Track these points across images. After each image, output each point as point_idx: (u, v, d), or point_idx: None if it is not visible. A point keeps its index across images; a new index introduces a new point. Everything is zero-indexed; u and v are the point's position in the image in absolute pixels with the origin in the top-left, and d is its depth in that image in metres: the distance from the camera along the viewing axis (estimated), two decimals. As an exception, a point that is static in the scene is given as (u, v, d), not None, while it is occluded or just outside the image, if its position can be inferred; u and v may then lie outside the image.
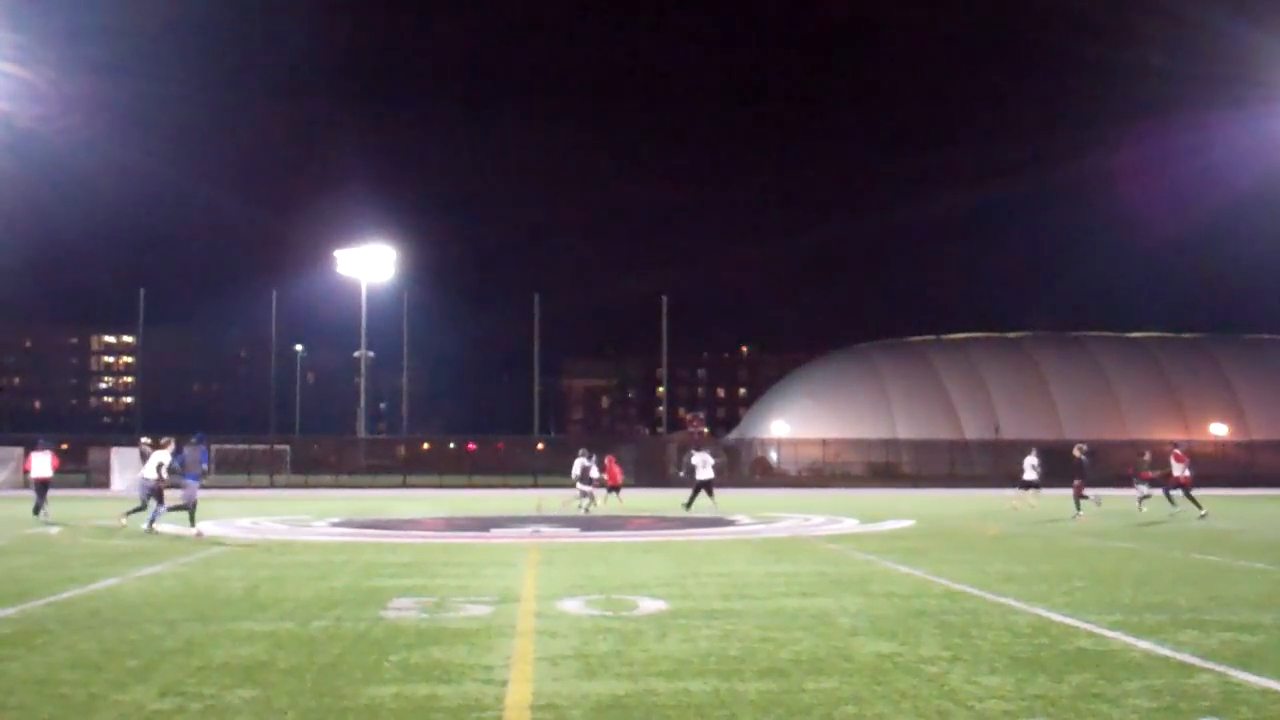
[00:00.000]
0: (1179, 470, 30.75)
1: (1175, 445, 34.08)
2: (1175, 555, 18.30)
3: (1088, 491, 30.22)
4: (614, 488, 36.08)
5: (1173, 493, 30.59)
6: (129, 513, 24.92)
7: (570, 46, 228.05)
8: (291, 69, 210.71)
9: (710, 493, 31.98)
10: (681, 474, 34.40)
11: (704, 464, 32.64)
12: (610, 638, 9.68)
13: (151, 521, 23.43)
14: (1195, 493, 30.49)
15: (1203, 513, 28.88)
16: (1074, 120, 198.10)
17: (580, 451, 34.59)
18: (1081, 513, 29.05)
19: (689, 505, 32.02)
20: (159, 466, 23.82)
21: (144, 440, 27.40)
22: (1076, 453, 31.03)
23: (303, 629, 10.22)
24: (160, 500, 23.57)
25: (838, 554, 18.37)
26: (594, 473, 33.87)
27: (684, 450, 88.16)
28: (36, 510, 27.61)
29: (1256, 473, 67.70)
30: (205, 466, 24.98)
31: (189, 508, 23.39)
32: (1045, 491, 34.58)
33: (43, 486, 28.10)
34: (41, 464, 28.08)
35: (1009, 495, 35.83)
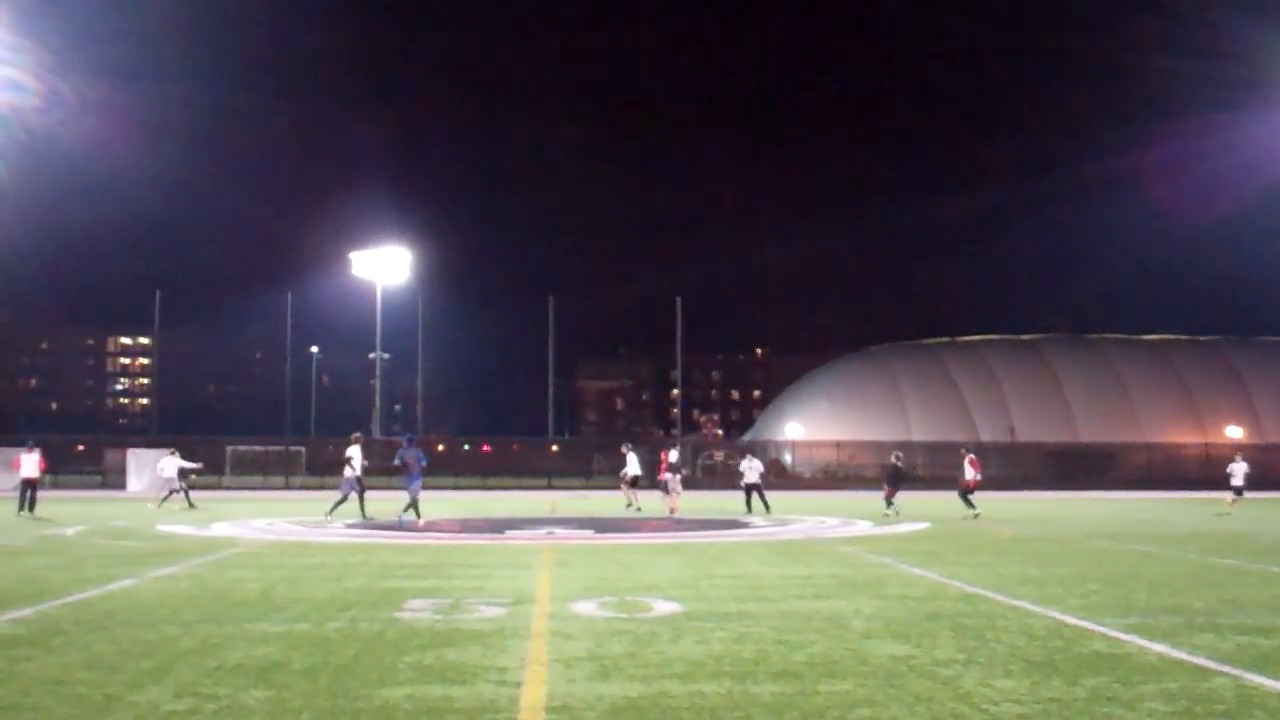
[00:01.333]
0: (970, 474, 32.14)
1: (966, 448, 34.51)
2: (1191, 558, 18.25)
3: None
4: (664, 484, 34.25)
5: (969, 496, 31.68)
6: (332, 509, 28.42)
7: (585, 47, 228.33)
8: (307, 71, 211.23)
9: (761, 495, 32.28)
10: (698, 475, 34.45)
11: (751, 468, 32.86)
12: (624, 640, 9.69)
13: (334, 508, 27.99)
14: (1209, 495, 30.55)
15: (975, 513, 30.54)
16: (1089, 122, 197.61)
17: (626, 445, 35.01)
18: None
19: (749, 509, 31.91)
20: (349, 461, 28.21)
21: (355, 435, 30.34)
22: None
23: (318, 630, 10.24)
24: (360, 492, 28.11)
25: (852, 556, 18.35)
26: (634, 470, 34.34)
27: (699, 452, 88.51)
28: (21, 509, 28.87)
29: (1272, 475, 67.39)
30: (424, 464, 27.25)
31: (413, 503, 26.32)
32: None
33: (29, 486, 30.26)
34: (30, 465, 30.50)
35: (1224, 499, 35.12)
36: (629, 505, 33.84)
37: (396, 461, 27.42)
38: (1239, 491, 34.52)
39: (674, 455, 32.76)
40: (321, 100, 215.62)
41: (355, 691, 7.66)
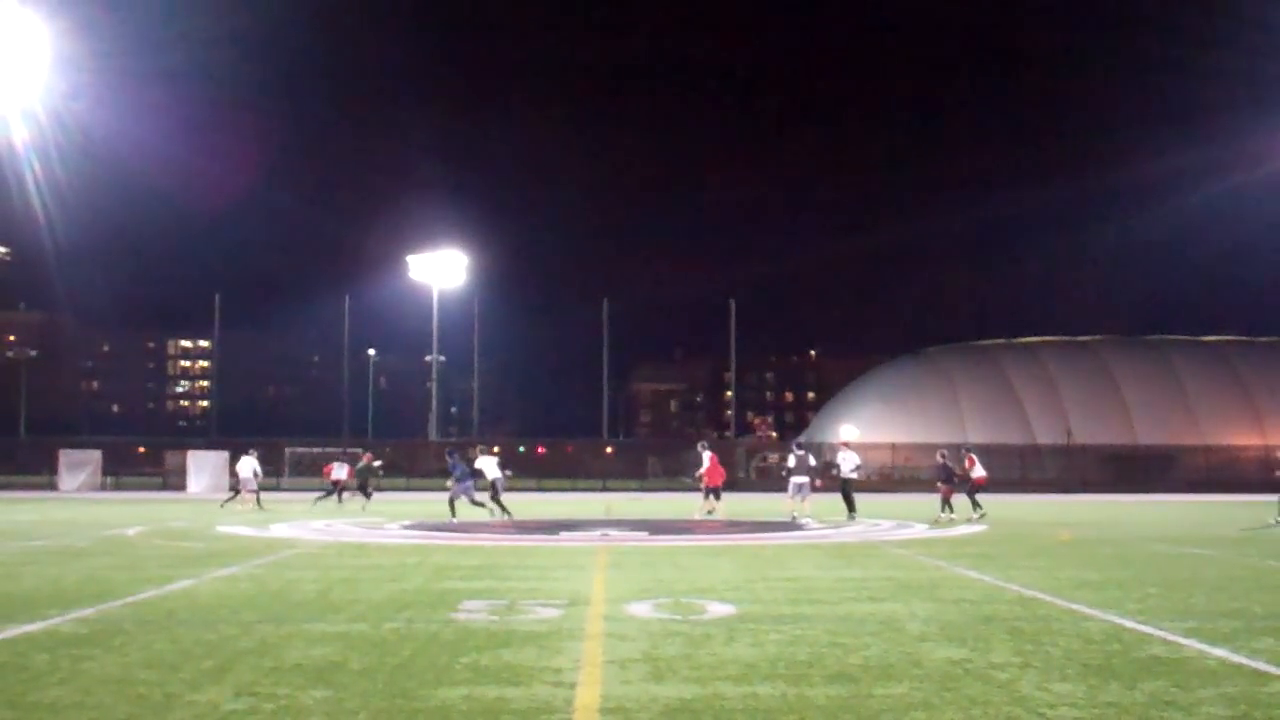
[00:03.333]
0: (979, 472, 31.62)
1: (965, 448, 33.94)
2: (1251, 561, 18.04)
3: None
4: (714, 489, 32.28)
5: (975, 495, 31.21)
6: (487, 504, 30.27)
7: (643, 50, 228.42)
8: (366, 75, 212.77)
9: (848, 494, 30.97)
10: (784, 474, 32.93)
11: (847, 461, 31.39)
12: (678, 641, 9.70)
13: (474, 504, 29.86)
14: (1270, 498, 30.10)
15: (982, 512, 30.11)
16: (1149, 121, 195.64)
17: (702, 444, 33.66)
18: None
19: (851, 511, 30.44)
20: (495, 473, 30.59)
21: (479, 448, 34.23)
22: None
23: (375, 630, 10.32)
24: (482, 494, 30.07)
25: (907, 559, 18.27)
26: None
27: (753, 454, 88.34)
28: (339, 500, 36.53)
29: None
30: (456, 471, 30.00)
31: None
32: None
33: (337, 487, 38.91)
34: (340, 470, 39.46)
35: None
36: (709, 512, 31.50)
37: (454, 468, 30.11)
38: None
39: (807, 454, 30.57)
40: (381, 104, 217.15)
41: (412, 692, 7.72)
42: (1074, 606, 12.12)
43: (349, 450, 38.21)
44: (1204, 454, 76.01)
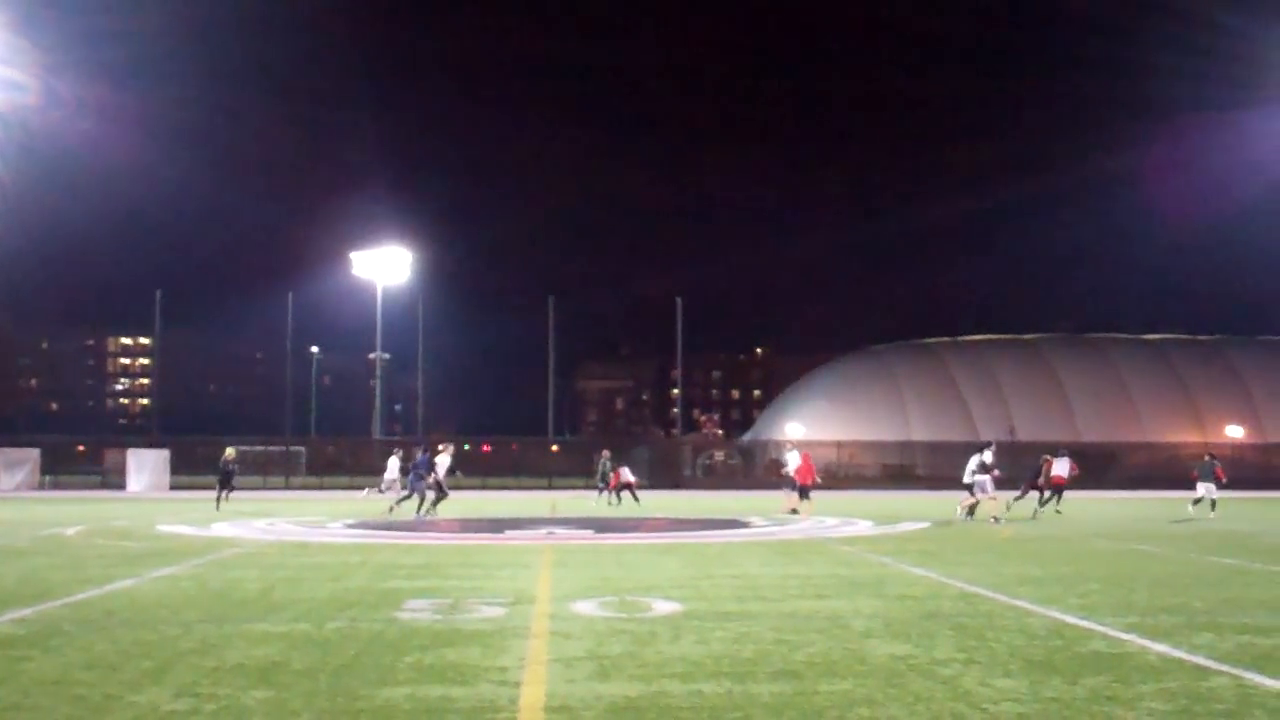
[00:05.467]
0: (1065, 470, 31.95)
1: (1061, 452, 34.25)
2: (1191, 557, 18.25)
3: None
4: (803, 487, 31.57)
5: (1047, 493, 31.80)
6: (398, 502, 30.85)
7: (585, 48, 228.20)
8: (308, 70, 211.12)
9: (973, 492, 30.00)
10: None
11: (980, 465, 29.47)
12: (624, 639, 9.68)
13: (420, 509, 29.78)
14: (1216, 495, 30.64)
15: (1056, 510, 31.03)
16: (1090, 121, 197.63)
17: (788, 444, 33.82)
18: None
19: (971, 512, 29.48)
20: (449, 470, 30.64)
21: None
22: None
23: (317, 630, 10.24)
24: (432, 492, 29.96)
25: (852, 556, 18.35)
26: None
27: (700, 452, 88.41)
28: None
29: (1273, 475, 67.43)
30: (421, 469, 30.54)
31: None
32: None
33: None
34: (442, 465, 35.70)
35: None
36: (792, 511, 30.86)
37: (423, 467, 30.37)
38: None
39: (988, 455, 28.99)
40: (322, 100, 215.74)
41: (355, 692, 7.66)
42: (1017, 603, 12.20)
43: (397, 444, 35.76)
44: (1145, 450, 76.81)
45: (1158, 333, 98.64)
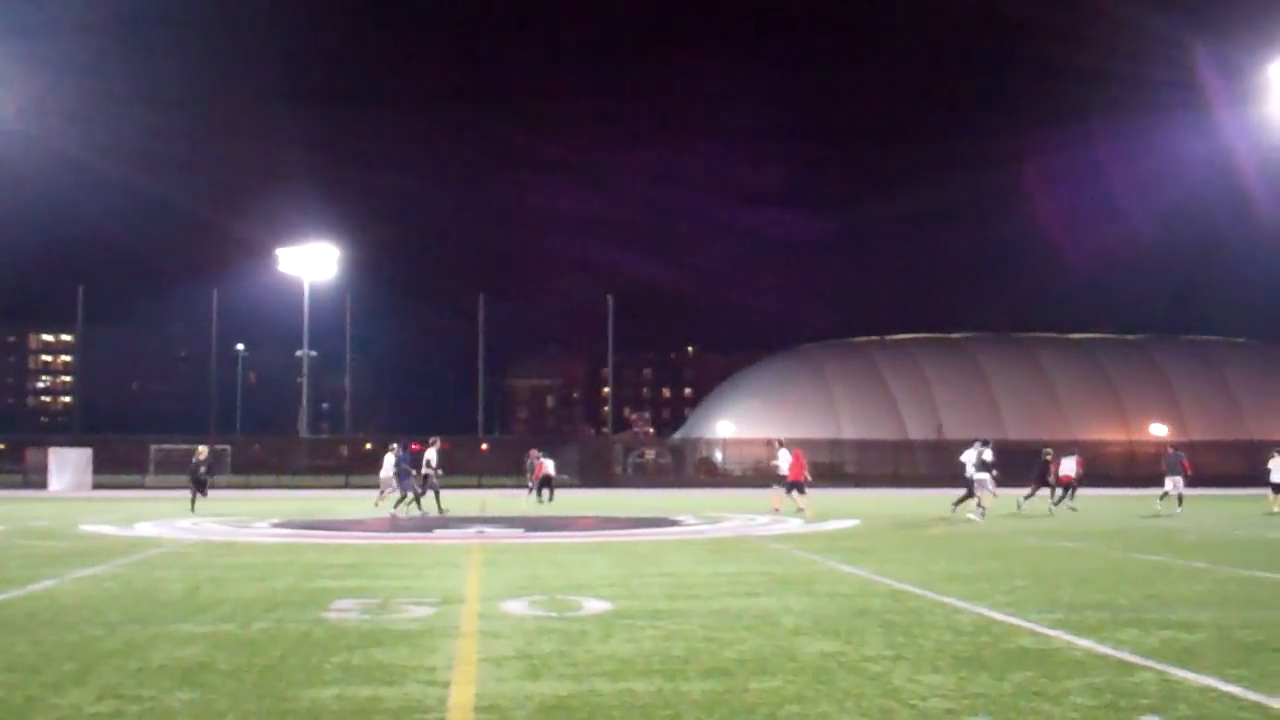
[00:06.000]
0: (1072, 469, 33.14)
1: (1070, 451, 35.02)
2: (1116, 554, 18.48)
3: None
4: (795, 484, 31.35)
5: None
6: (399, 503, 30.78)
7: (513, 46, 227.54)
8: (232, 64, 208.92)
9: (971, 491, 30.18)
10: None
11: (980, 461, 29.54)
12: (554, 638, 9.65)
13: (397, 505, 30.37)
14: (1134, 492, 31.15)
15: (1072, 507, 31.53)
16: (1018, 123, 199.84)
17: (777, 441, 34.45)
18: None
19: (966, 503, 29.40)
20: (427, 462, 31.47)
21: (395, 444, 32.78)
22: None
23: (243, 631, 10.12)
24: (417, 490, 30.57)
25: (782, 554, 18.41)
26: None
27: (630, 450, 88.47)
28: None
29: (1196, 473, 68.45)
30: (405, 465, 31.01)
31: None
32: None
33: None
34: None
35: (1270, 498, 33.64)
36: (798, 510, 30.58)
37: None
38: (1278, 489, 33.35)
39: (988, 454, 29.27)
40: (247, 94, 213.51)
41: (282, 692, 7.57)
42: (945, 599, 12.30)
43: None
44: (1071, 449, 77.64)
45: (1083, 332, 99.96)
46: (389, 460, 32.54)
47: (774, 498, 32.15)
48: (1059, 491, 32.31)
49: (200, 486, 32.95)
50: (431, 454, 31.85)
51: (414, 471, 30.73)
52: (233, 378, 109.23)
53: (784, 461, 31.80)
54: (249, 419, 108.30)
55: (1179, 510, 30.96)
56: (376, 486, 31.41)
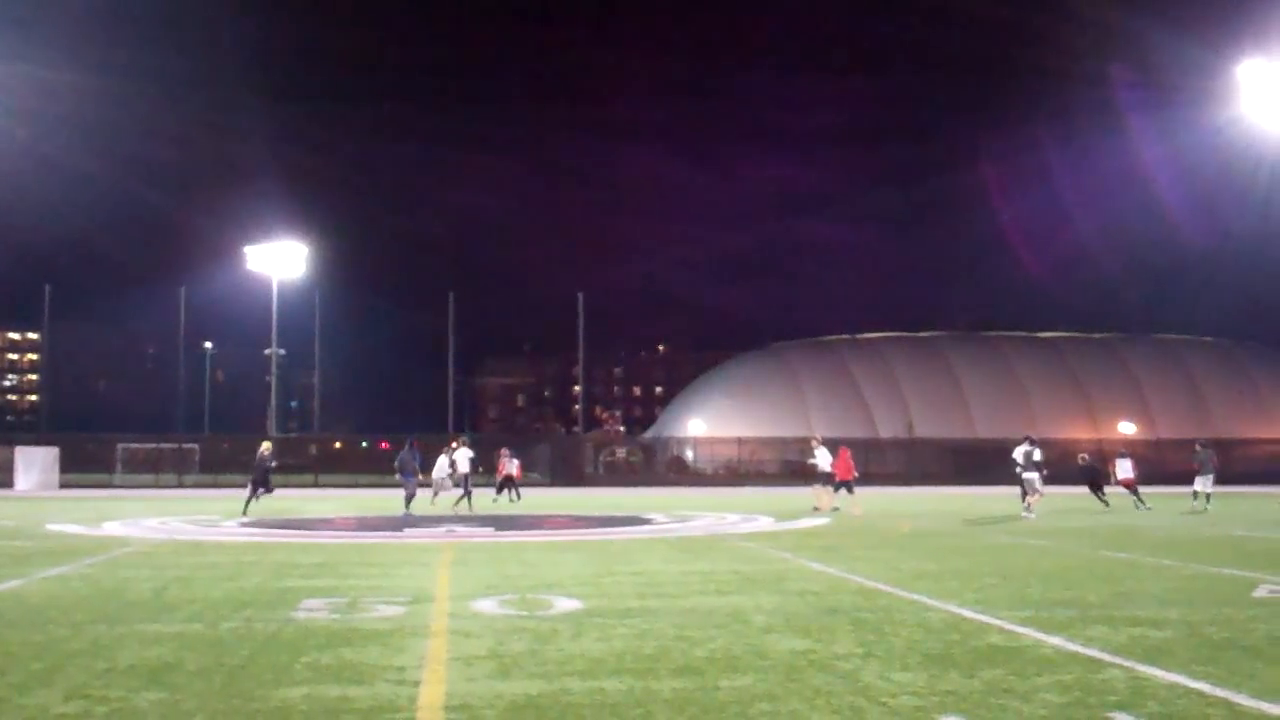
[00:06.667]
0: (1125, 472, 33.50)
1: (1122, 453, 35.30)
2: (1085, 552, 18.57)
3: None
4: (845, 483, 31.40)
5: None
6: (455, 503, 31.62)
7: (487, 45, 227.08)
8: (202, 61, 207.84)
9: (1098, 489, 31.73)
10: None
11: (1028, 460, 29.53)
12: (525, 637, 9.63)
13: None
14: (1105, 491, 31.50)
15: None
16: (986, 123, 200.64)
17: (815, 438, 33.92)
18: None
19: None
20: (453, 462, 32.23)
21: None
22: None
23: (212, 630, 10.06)
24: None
25: (753, 552, 18.44)
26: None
27: (601, 449, 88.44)
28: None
29: (1164, 470, 68.87)
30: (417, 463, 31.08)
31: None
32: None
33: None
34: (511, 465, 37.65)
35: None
36: (831, 508, 30.88)
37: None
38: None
39: (1038, 453, 29.41)
40: (216, 91, 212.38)
41: (250, 692, 7.53)
42: (915, 597, 12.33)
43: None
44: (1040, 447, 77.99)
45: (1051, 330, 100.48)
46: (442, 461, 33.72)
47: (816, 496, 31.85)
48: (1125, 492, 32.69)
49: (263, 484, 31.17)
50: (465, 455, 33.35)
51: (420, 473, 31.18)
52: (201, 376, 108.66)
53: (822, 459, 31.68)
54: (217, 418, 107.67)
55: (1209, 508, 31.02)
56: (347, 485, 31.29)
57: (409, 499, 30.04)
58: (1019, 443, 29.83)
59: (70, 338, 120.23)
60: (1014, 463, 29.38)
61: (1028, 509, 28.38)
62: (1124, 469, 33.21)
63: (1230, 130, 65.84)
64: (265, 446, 32.29)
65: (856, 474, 31.64)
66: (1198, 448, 34.19)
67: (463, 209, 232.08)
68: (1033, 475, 28.66)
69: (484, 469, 42.49)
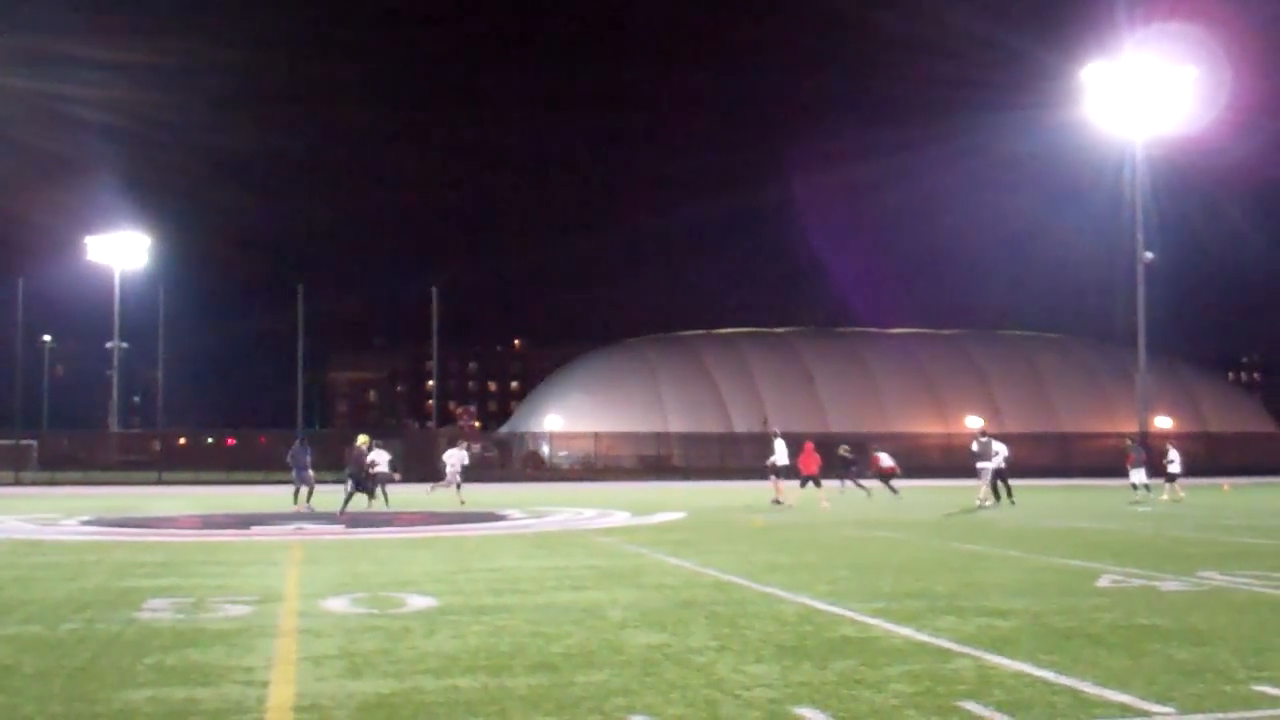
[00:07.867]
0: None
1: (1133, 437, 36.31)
2: (935, 544, 18.92)
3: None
4: (811, 477, 32.36)
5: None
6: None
7: (341, 35, 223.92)
8: (37, 44, 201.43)
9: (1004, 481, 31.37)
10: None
11: (998, 454, 31.01)
12: (376, 636, 9.48)
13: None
14: (951, 483, 32.25)
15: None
16: (840, 125, 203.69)
17: (773, 430, 34.21)
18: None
19: (1009, 496, 30.73)
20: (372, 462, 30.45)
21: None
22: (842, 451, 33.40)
23: (51, 632, 9.74)
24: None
25: (609, 547, 18.44)
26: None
27: (455, 444, 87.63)
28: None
29: (1011, 463, 70.61)
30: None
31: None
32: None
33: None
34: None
35: (1164, 487, 35.17)
36: (775, 501, 31.28)
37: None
38: (1173, 479, 35.17)
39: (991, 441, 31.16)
40: (54, 75, 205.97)
41: (92, 695, 7.29)
42: (768, 590, 12.43)
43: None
44: (891, 441, 79.46)
45: (901, 327, 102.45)
46: (453, 455, 34.79)
47: (777, 489, 32.10)
48: (891, 483, 33.48)
49: (364, 485, 29.36)
50: (460, 454, 34.38)
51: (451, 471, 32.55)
52: (39, 370, 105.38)
53: (781, 452, 31.84)
54: (56, 413, 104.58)
55: (1151, 497, 32.55)
56: (191, 482, 30.60)
57: (306, 494, 29.86)
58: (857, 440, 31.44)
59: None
60: (972, 454, 31.15)
61: (982, 499, 30.14)
62: (885, 460, 35.06)
63: (1075, 132, 67.74)
64: (361, 440, 30.19)
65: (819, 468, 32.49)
66: (1128, 441, 35.13)
67: (315, 200, 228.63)
68: (986, 465, 30.45)
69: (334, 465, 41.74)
